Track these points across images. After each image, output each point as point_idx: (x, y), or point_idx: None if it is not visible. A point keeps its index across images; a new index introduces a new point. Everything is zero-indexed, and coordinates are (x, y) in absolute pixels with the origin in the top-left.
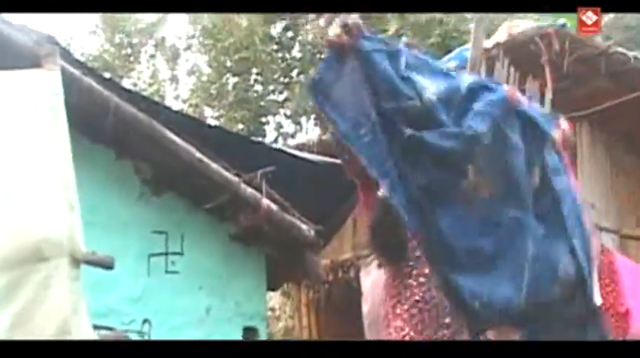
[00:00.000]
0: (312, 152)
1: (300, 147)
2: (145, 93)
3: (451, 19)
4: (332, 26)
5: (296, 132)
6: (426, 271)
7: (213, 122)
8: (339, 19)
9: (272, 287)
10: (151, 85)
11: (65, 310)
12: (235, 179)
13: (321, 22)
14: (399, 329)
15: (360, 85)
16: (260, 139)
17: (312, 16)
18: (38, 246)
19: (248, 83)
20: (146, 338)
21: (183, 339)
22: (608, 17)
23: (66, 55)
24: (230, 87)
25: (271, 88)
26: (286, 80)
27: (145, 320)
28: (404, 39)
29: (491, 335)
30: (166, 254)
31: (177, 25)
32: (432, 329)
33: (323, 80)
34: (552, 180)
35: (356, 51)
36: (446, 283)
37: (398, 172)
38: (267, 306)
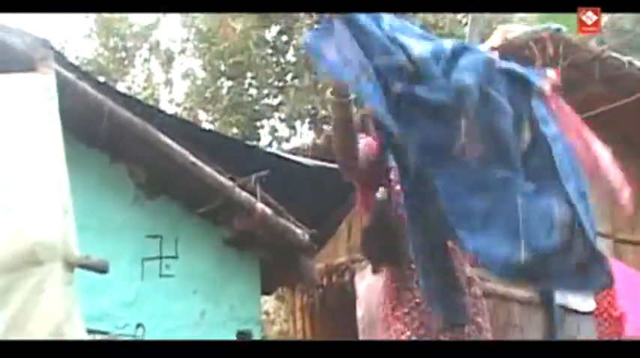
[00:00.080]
0: (306, 156)
1: (295, 151)
2: (139, 97)
3: (446, 21)
4: None
5: (290, 136)
6: None
7: (207, 126)
8: None
9: (266, 291)
10: (145, 88)
11: (58, 314)
12: (230, 183)
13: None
14: (399, 332)
15: (351, 44)
16: (254, 143)
17: (307, 20)
18: (32, 249)
19: (242, 87)
20: None
21: (179, 339)
22: (602, 22)
23: (60, 58)
24: (224, 91)
25: (266, 91)
26: (281, 84)
27: (139, 325)
28: None
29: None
30: (160, 258)
31: (172, 29)
32: (432, 333)
33: (314, 44)
34: (541, 131)
35: (342, 16)
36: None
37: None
38: (261, 310)
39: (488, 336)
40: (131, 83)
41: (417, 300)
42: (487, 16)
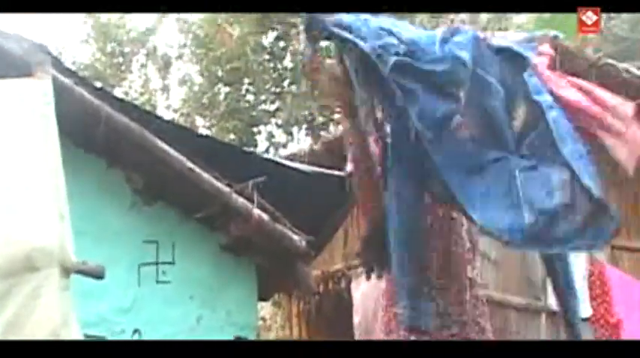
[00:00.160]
0: (303, 162)
1: (292, 157)
2: (136, 103)
3: (442, 28)
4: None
5: (287, 142)
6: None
7: (204, 132)
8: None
9: (263, 298)
10: (142, 94)
11: (55, 320)
12: (226, 189)
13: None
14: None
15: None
16: (251, 149)
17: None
18: (29, 255)
19: (240, 93)
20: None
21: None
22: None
23: (57, 63)
24: (222, 96)
25: (263, 97)
26: (278, 90)
27: (136, 330)
28: None
29: None
30: (157, 263)
31: (169, 35)
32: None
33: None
34: (535, 100)
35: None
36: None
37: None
38: (258, 316)
39: (490, 337)
40: (128, 88)
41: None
42: (483, 21)
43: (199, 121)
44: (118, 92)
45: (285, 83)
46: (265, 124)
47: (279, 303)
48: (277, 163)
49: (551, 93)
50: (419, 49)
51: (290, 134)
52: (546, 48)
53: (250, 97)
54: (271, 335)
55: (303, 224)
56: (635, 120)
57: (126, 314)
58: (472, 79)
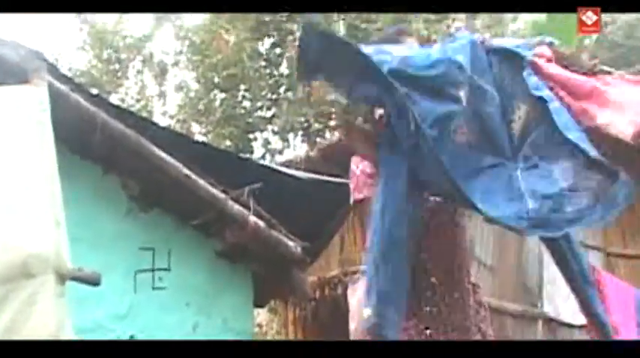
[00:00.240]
0: (299, 169)
1: (288, 163)
2: (132, 109)
3: (440, 35)
4: None
5: (284, 149)
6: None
7: (200, 138)
8: None
9: (259, 304)
10: (138, 100)
11: (50, 326)
12: (222, 195)
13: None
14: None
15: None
16: (247, 156)
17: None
18: (24, 261)
19: (236, 99)
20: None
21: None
22: (594, 36)
23: (53, 70)
24: (218, 103)
25: (259, 104)
26: (274, 96)
27: (132, 337)
28: None
29: None
30: (153, 270)
31: (165, 41)
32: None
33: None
34: (535, 96)
35: None
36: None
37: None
38: (254, 323)
39: None
40: (124, 95)
41: (427, 308)
42: (479, 28)
43: (195, 128)
44: (114, 99)
45: (282, 90)
46: (261, 131)
47: (276, 310)
48: (273, 170)
49: (551, 88)
50: (411, 60)
51: (286, 140)
52: (544, 49)
53: (246, 104)
54: None
55: (299, 230)
56: (630, 84)
57: (122, 320)
58: (469, 84)
